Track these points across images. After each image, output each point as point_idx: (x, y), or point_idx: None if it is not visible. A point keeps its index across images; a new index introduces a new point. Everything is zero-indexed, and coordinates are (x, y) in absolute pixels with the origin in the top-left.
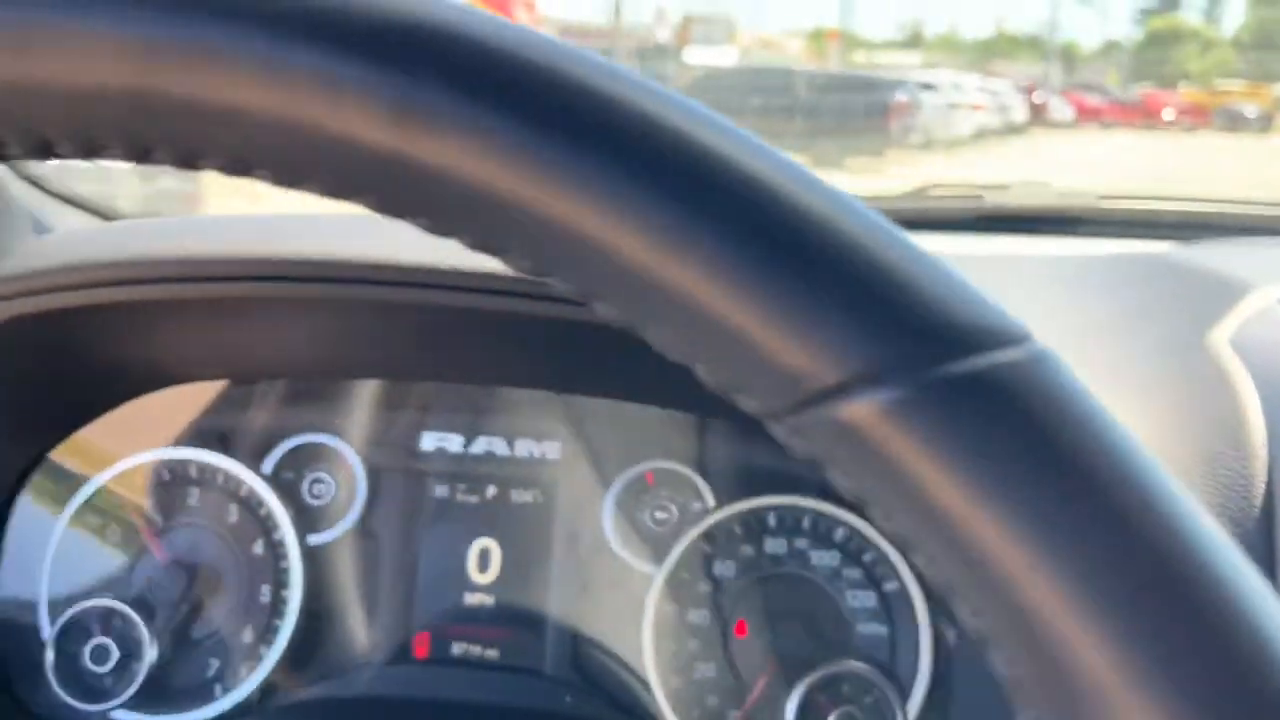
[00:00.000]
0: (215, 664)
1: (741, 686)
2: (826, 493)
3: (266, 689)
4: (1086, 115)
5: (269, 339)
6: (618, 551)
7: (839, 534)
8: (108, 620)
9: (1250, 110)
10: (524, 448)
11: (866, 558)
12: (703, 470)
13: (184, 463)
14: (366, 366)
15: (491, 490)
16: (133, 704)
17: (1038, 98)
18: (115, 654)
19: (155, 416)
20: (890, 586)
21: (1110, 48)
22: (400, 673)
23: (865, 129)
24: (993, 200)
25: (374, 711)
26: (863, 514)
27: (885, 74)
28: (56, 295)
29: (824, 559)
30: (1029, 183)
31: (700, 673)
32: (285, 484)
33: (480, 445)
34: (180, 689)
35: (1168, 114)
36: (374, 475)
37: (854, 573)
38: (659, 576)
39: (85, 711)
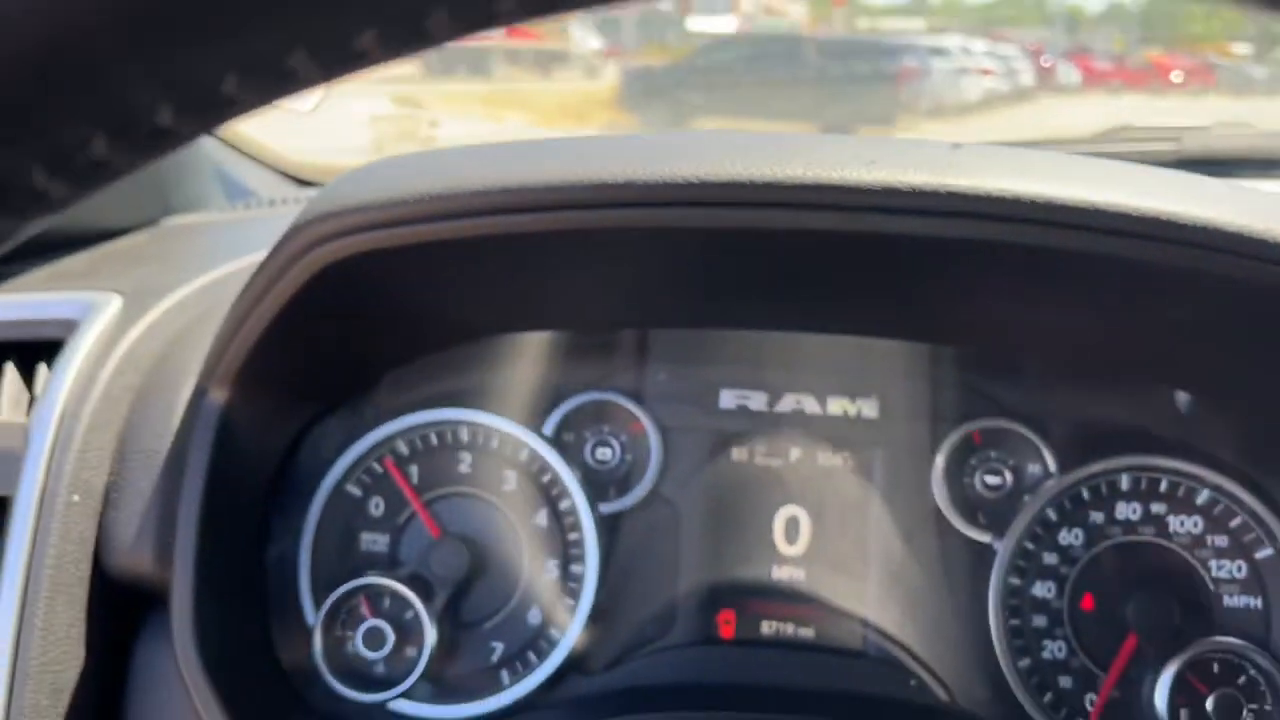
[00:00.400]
0: (499, 648)
1: (1096, 666)
2: (1187, 451)
3: (558, 676)
4: (1094, 79)
5: (566, 283)
6: (951, 520)
7: (1202, 497)
8: (378, 601)
9: (1259, 72)
10: (837, 406)
11: (1234, 523)
12: (1041, 429)
13: (455, 425)
14: (666, 313)
15: (796, 453)
16: (414, 693)
17: (1044, 62)
18: (390, 638)
19: (421, 375)
20: (1264, 554)
21: (1115, 10)
22: (705, 655)
23: (875, 96)
24: (1191, 142)
25: (679, 699)
26: (1230, 473)
27: (893, 39)
28: (393, 230)
29: (1184, 525)
30: (1230, 123)
31: (1050, 652)
32: (568, 447)
33: (787, 403)
34: (463, 677)
35: (1176, 76)
36: (667, 436)
37: (1220, 539)
38: (1003, 548)
39: (362, 703)
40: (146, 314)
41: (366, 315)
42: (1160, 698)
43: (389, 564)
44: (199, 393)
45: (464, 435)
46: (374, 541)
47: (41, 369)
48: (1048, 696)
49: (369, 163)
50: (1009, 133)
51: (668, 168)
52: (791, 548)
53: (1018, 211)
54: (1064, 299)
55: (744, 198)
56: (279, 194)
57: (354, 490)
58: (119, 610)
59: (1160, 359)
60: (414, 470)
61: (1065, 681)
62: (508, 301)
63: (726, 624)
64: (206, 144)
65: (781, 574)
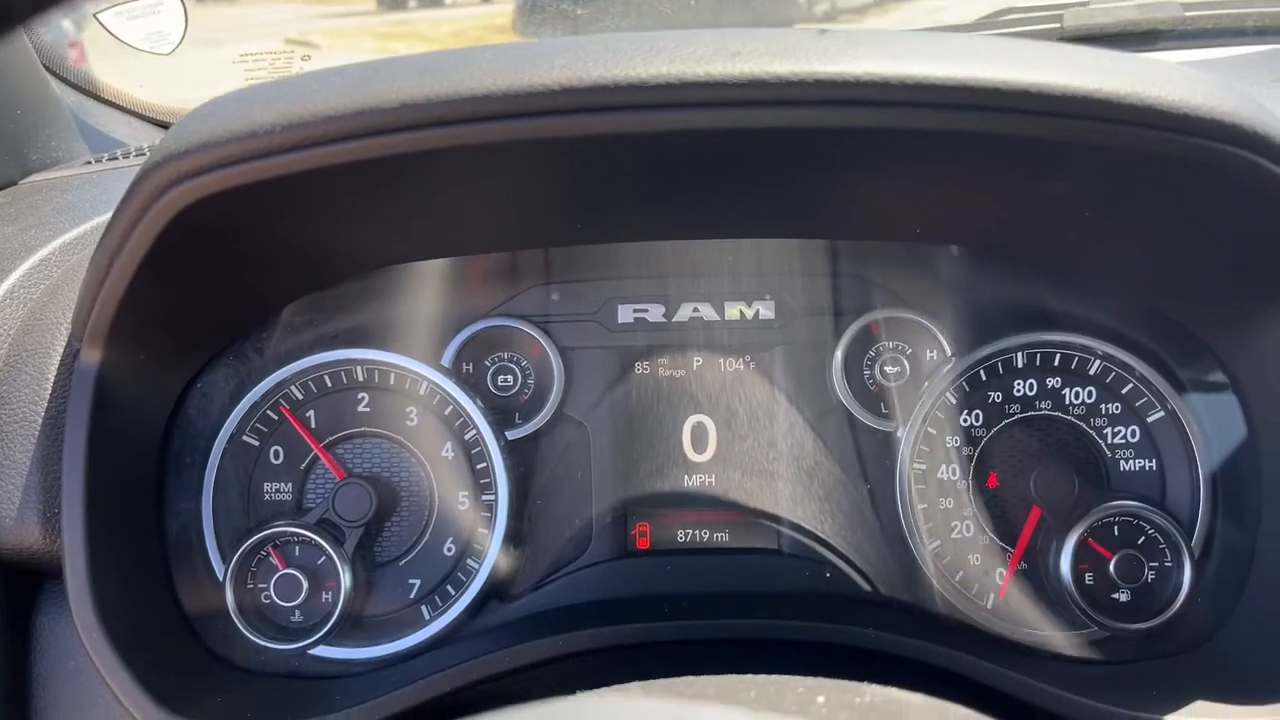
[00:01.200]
0: (417, 584)
1: (1003, 541)
2: (1078, 323)
3: (479, 604)
4: None
5: (444, 207)
6: (853, 412)
7: (1094, 367)
8: (288, 550)
9: None
10: (734, 310)
11: (1125, 389)
12: (936, 315)
13: (349, 364)
14: (554, 231)
15: (697, 361)
16: (332, 638)
17: None
18: (304, 585)
19: (309, 316)
20: (1155, 416)
21: None
22: (623, 569)
23: (771, 1)
24: (1073, 20)
25: (601, 615)
26: (1120, 342)
27: None
28: (279, 158)
29: (1079, 396)
30: None
31: (958, 532)
32: (468, 377)
33: (684, 312)
34: (383, 616)
35: None
36: (567, 357)
37: (1113, 406)
38: (906, 434)
39: (282, 652)
40: (6, 278)
41: (239, 256)
42: (1065, 565)
43: (295, 511)
44: (70, 355)
45: (359, 374)
46: (277, 490)
47: None
48: (959, 575)
49: (218, 96)
50: (904, 27)
51: (520, 76)
52: (700, 455)
53: (888, 95)
54: (944, 181)
55: (606, 101)
56: (149, 143)
57: (251, 440)
58: (12, 586)
59: (1044, 236)
60: (311, 414)
61: (974, 559)
62: (388, 231)
63: (642, 536)
64: (66, 96)
65: (693, 482)
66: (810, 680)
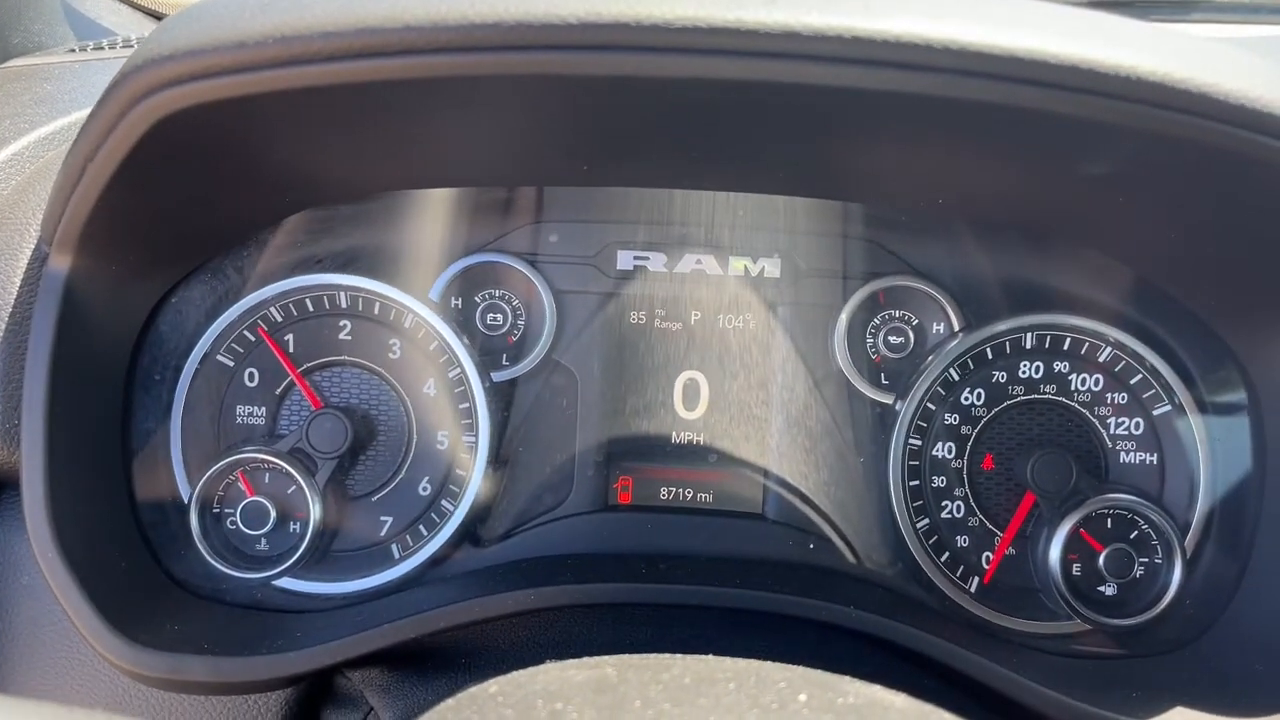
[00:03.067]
0: (389, 522)
1: (993, 525)
2: (1091, 308)
3: (450, 548)
4: None
5: (447, 136)
6: (852, 381)
7: (1104, 354)
8: (257, 476)
9: None
10: (738, 265)
11: (1134, 380)
12: (946, 287)
13: (332, 289)
14: (558, 169)
15: (695, 315)
16: (299, 570)
17: None
18: (272, 514)
19: (294, 236)
20: (1161, 410)
21: None
22: (601, 522)
23: None
24: None
25: (577, 569)
26: (1133, 330)
27: None
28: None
29: (1085, 382)
30: None
31: (949, 512)
32: (456, 312)
33: (687, 264)
34: (351, 552)
35: None
36: (561, 300)
37: (1120, 396)
38: (904, 409)
39: (245, 581)
40: None
41: (220, 172)
42: (1054, 554)
43: (267, 438)
44: (38, 259)
45: (342, 301)
46: (250, 414)
47: None
48: (945, 556)
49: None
50: None
51: (537, 5)
52: (690, 413)
53: (934, 59)
54: (978, 152)
55: (625, 41)
56: (138, 33)
57: (225, 360)
58: None
59: (1070, 216)
60: (290, 339)
61: (962, 540)
62: (379, 157)
63: (624, 490)
64: None
65: (680, 439)
66: (790, 671)
